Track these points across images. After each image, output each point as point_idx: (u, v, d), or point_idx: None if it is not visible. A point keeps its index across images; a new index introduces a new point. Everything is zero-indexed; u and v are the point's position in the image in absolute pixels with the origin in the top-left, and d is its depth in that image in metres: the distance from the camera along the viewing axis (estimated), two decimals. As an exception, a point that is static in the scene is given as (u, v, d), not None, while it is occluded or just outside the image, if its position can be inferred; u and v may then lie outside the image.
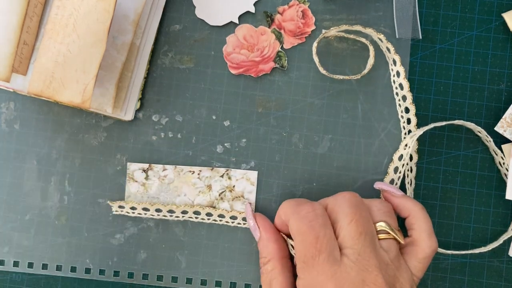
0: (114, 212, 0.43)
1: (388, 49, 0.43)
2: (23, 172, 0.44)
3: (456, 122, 0.41)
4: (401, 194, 0.39)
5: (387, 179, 0.42)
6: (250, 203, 0.40)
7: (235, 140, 0.44)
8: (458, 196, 0.43)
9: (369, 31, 0.42)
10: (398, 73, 0.43)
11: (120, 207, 0.43)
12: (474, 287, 0.43)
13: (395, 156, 0.42)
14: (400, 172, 0.42)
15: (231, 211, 0.42)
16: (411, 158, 0.43)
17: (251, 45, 0.44)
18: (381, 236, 0.35)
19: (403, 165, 0.42)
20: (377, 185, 0.41)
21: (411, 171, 0.43)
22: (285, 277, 0.37)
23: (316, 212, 0.34)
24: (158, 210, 0.43)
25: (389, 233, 0.36)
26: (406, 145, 0.42)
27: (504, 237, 0.42)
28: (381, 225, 0.36)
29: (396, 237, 0.36)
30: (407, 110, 0.43)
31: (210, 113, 0.44)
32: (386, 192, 0.40)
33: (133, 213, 0.43)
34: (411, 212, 0.38)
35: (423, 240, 0.37)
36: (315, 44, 0.43)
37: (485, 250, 0.41)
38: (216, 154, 0.44)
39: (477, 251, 0.41)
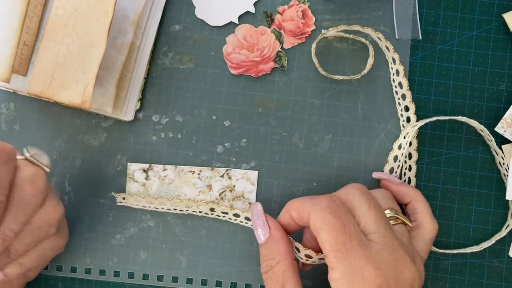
0: (118, 203, 0.43)
1: (387, 48, 0.43)
2: (23, 172, 0.44)
3: (460, 118, 0.42)
4: (400, 182, 0.41)
5: (387, 167, 0.43)
6: (259, 203, 0.39)
7: (235, 140, 0.44)
8: (458, 197, 0.43)
9: (367, 30, 0.42)
10: (397, 72, 0.43)
11: (124, 199, 0.43)
12: (474, 287, 0.43)
13: (395, 145, 0.43)
14: (399, 161, 0.42)
15: (227, 206, 0.42)
16: (410, 156, 0.43)
17: (251, 45, 0.44)
18: (391, 222, 0.37)
19: (402, 154, 0.42)
20: (376, 175, 0.42)
21: (410, 169, 0.43)
22: (298, 280, 0.35)
23: (336, 203, 0.35)
24: (161, 204, 0.42)
25: (398, 218, 0.37)
26: (407, 133, 0.42)
27: (497, 237, 0.42)
28: (388, 212, 0.37)
29: (405, 221, 0.37)
30: (406, 108, 0.43)
31: (210, 113, 0.44)
32: (386, 181, 0.42)
33: (137, 205, 0.43)
34: (413, 197, 0.40)
35: (428, 222, 0.39)
36: (313, 46, 0.42)
37: (477, 250, 0.42)
38: (216, 154, 0.44)
39: (469, 250, 0.42)
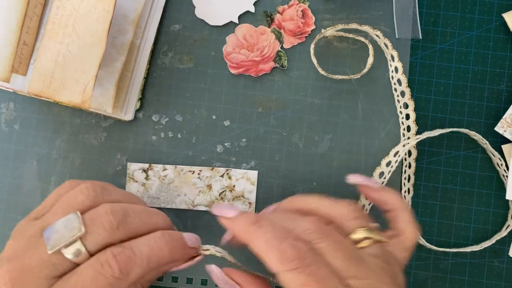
0: None
1: (386, 45, 0.43)
2: (23, 172, 0.44)
3: (462, 130, 0.42)
4: (380, 187, 0.38)
5: (377, 171, 0.42)
6: (214, 266, 0.37)
7: (235, 140, 0.44)
8: (458, 196, 0.43)
9: (365, 28, 0.42)
10: (396, 69, 0.43)
11: None
12: (474, 287, 0.43)
13: (392, 152, 0.42)
14: (384, 178, 0.42)
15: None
16: (410, 153, 0.43)
17: (251, 45, 0.44)
18: (365, 243, 0.33)
19: (396, 161, 0.41)
20: (353, 179, 0.38)
21: (409, 167, 0.43)
22: None
23: (301, 254, 0.31)
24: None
25: (371, 238, 0.34)
26: (396, 153, 0.42)
27: (497, 237, 0.42)
28: (361, 232, 0.34)
29: (379, 238, 0.34)
30: (406, 105, 0.43)
31: (210, 113, 0.44)
32: (365, 187, 0.38)
33: None
34: (394, 205, 0.37)
35: (410, 232, 0.35)
36: (312, 46, 0.42)
37: (477, 249, 0.42)
38: (216, 154, 0.44)
39: (468, 249, 0.42)
